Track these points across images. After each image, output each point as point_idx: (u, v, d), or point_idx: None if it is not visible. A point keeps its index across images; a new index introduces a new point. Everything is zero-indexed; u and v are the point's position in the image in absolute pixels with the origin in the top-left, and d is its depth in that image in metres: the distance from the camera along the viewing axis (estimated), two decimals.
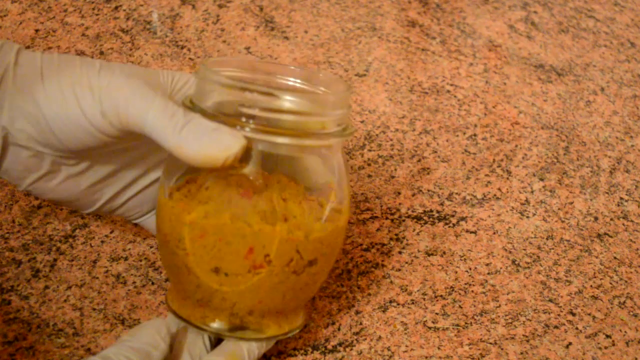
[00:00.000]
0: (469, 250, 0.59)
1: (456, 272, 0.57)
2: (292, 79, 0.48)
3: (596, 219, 0.63)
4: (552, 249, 0.60)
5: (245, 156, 0.43)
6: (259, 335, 0.46)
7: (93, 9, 0.72)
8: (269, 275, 0.44)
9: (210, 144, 0.41)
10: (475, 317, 0.54)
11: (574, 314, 0.56)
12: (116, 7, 0.72)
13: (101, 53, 0.69)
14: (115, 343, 0.42)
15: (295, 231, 0.44)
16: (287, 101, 0.44)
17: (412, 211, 0.61)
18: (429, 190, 0.63)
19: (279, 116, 0.43)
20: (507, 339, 0.53)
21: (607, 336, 0.54)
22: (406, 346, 0.52)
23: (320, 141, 0.45)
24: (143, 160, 0.49)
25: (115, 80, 0.43)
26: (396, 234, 0.59)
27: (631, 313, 0.56)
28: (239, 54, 0.71)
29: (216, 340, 0.47)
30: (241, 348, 0.46)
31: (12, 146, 0.44)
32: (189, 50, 0.70)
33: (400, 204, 0.61)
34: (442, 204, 0.62)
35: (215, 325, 0.45)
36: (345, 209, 0.47)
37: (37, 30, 0.69)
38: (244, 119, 0.42)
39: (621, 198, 0.65)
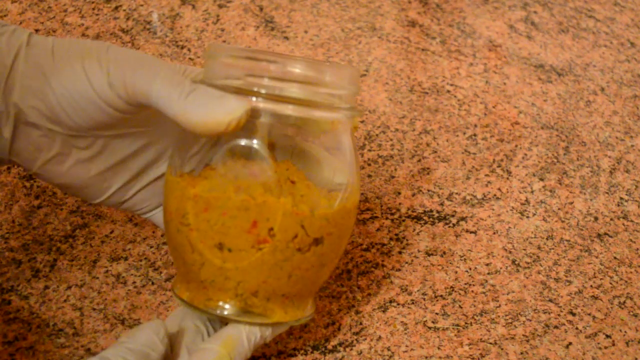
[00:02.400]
0: (469, 250, 0.59)
1: (456, 272, 0.57)
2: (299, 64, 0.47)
3: (596, 219, 0.63)
4: (552, 249, 0.60)
5: (253, 130, 0.43)
6: (263, 320, 0.45)
7: (93, 9, 0.72)
8: (273, 251, 0.43)
9: (215, 108, 0.41)
10: (475, 317, 0.54)
11: (574, 314, 0.56)
12: (116, 7, 0.72)
13: None
14: (114, 344, 0.42)
15: (301, 205, 0.43)
16: (296, 70, 0.43)
17: (412, 211, 0.61)
18: (429, 190, 0.63)
19: (287, 85, 0.43)
20: (507, 339, 0.53)
21: (607, 336, 0.54)
22: (406, 346, 0.52)
23: (329, 113, 0.44)
24: (152, 150, 0.49)
25: (123, 54, 0.43)
26: (396, 234, 0.59)
27: (631, 313, 0.56)
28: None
29: None
30: (240, 333, 0.45)
31: (23, 125, 0.45)
32: (189, 50, 0.70)
33: (400, 204, 0.61)
34: (442, 204, 0.62)
35: (220, 307, 0.45)
36: (354, 191, 0.46)
37: (37, 30, 0.69)
38: (254, 89, 0.42)
39: (621, 198, 0.65)
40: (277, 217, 0.43)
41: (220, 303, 0.45)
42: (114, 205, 0.50)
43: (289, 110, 0.43)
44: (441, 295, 0.55)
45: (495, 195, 0.63)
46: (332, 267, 0.48)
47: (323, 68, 0.45)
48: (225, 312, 0.45)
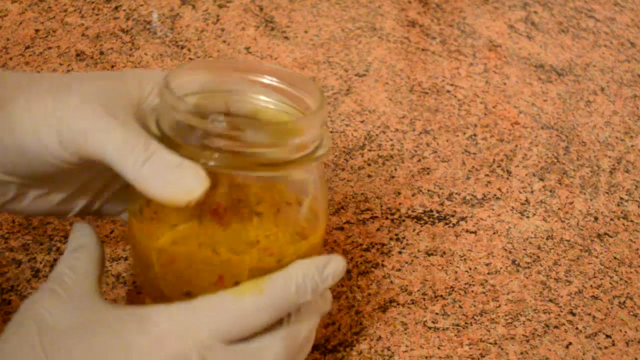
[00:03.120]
0: (469, 250, 0.59)
1: (456, 272, 0.57)
2: (267, 77, 0.45)
3: (596, 219, 0.63)
4: (552, 249, 0.60)
5: (214, 187, 0.41)
6: None
7: (93, 9, 0.72)
8: None
9: (172, 185, 0.40)
10: (475, 317, 0.54)
11: (574, 314, 0.56)
12: (116, 7, 0.72)
13: (101, 53, 0.69)
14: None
15: (266, 258, 0.42)
16: (253, 132, 0.41)
17: (412, 211, 0.61)
18: (429, 190, 0.63)
19: (244, 149, 0.40)
20: (507, 339, 0.53)
21: (607, 336, 0.54)
22: (406, 346, 0.52)
23: (292, 169, 0.42)
24: (110, 171, 0.48)
25: (72, 110, 0.41)
26: (396, 234, 0.59)
27: (631, 313, 0.56)
28: (238, 54, 0.71)
29: None
30: None
31: None
32: (189, 50, 0.70)
33: (400, 204, 0.61)
34: (442, 204, 0.62)
35: None
36: (321, 224, 0.45)
37: (37, 30, 0.69)
38: (207, 152, 0.40)
39: (621, 198, 0.65)
40: (243, 273, 0.42)
41: None
42: (82, 216, 0.50)
43: (248, 174, 0.41)
44: (441, 295, 0.55)
45: (495, 195, 0.63)
46: None
47: (290, 123, 0.43)
48: None
